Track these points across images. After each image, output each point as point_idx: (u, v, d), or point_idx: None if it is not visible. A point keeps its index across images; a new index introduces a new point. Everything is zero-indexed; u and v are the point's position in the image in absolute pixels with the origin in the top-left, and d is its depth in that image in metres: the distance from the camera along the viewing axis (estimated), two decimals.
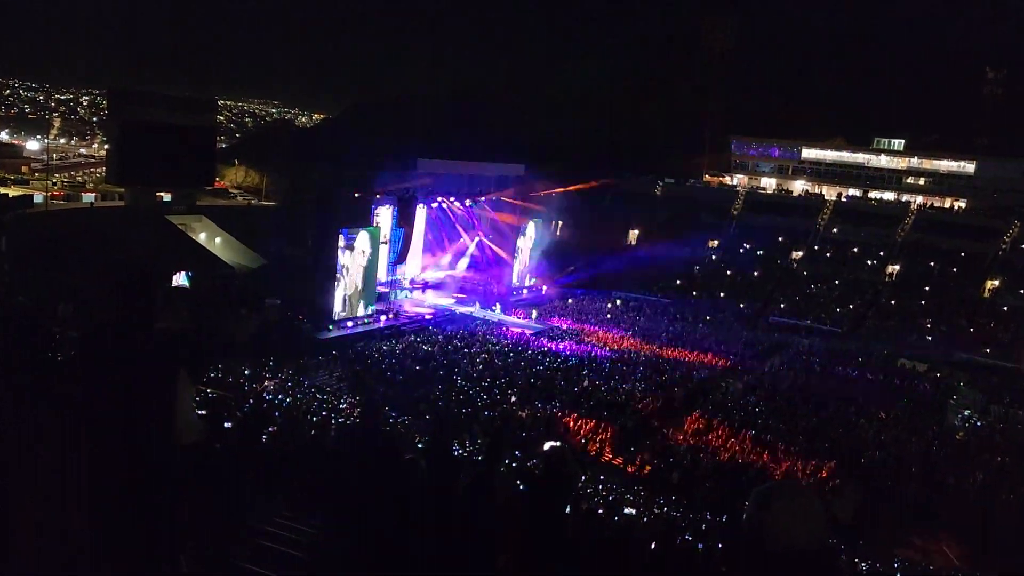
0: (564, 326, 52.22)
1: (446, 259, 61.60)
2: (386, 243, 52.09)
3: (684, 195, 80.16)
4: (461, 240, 62.00)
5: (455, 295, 56.99)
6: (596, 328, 51.88)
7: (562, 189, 69.14)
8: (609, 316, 57.08)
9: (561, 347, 45.26)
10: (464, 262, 62.03)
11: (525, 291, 62.25)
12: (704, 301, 64.06)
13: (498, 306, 54.72)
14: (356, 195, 48.71)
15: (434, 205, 57.53)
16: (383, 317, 47.88)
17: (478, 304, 54.88)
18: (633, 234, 77.12)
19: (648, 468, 28.70)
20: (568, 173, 71.65)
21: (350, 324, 45.29)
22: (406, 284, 56.86)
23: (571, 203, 69.52)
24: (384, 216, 53.16)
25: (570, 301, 61.71)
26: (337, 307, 45.23)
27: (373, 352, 39.83)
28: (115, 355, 3.88)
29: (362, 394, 31.20)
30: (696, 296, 65.05)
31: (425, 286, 57.50)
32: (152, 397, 3.75)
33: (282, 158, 75.45)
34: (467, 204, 60.68)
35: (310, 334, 42.06)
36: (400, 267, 54.42)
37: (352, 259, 46.07)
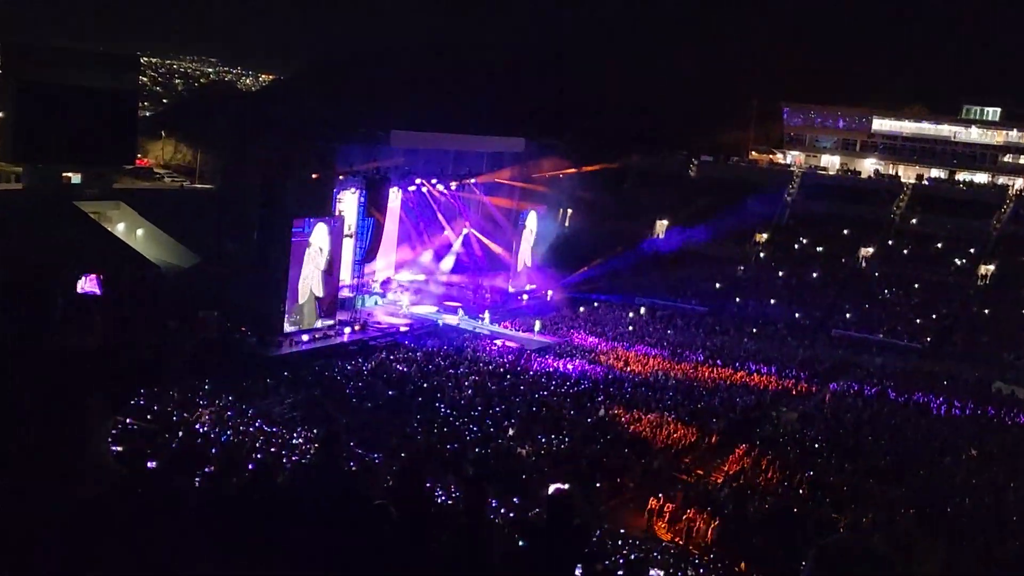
0: (575, 341, 52.21)
1: (426, 257, 61.47)
2: (351, 236, 52.05)
3: (725, 177, 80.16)
4: (445, 233, 61.82)
5: (438, 302, 56.88)
6: (615, 344, 51.87)
7: (575, 170, 69.17)
8: (631, 328, 57.24)
9: (571, 367, 45.30)
10: (449, 261, 61.87)
11: (525, 297, 62.24)
12: (750, 310, 64.21)
13: (487, 315, 54.86)
14: (313, 176, 48.80)
15: (411, 189, 57.44)
16: (347, 330, 47.99)
17: (462, 312, 55.07)
18: (661, 225, 76.93)
19: (680, 519, 28.69)
20: (579, 149, 71.69)
21: (306, 338, 45.38)
22: (376, 288, 56.60)
23: (583, 186, 69.46)
24: (349, 203, 53.09)
25: (582, 309, 61.82)
26: (289, 317, 45.10)
27: (335, 373, 40.13)
28: None
29: (321, 426, 31.21)
30: (740, 303, 65.16)
31: (400, 290, 57.35)
32: (45, 433, 3.59)
33: (221, 130, 75.38)
34: (453, 188, 60.52)
35: (256, 351, 42.16)
36: (369, 267, 54.38)
37: (308, 257, 45.92)
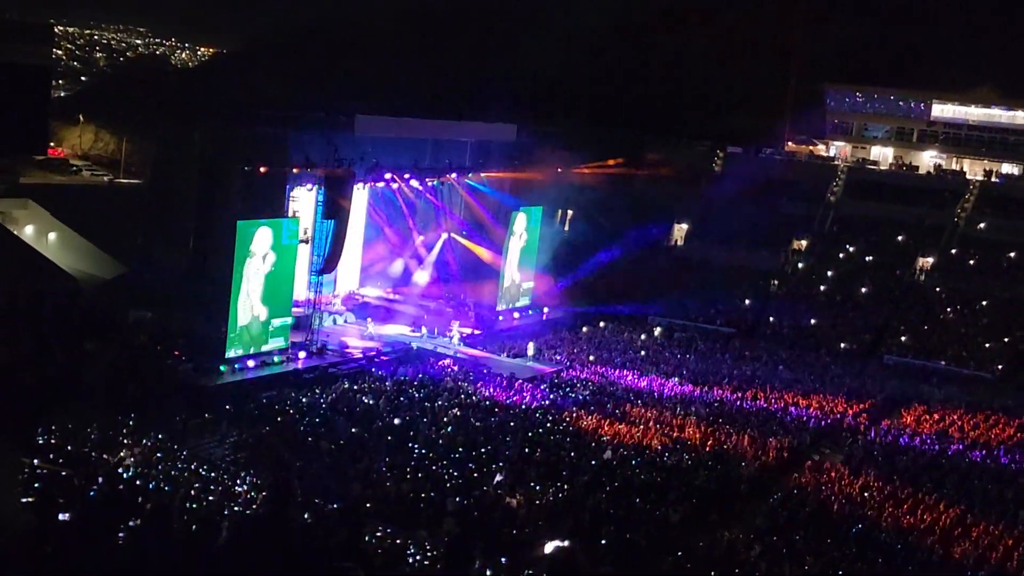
0: (573, 373, 51.83)
1: (398, 267, 61.44)
2: (307, 242, 51.93)
3: (756, 172, 79.94)
4: (421, 238, 61.76)
5: (412, 321, 56.71)
6: (624, 373, 51.66)
7: (577, 164, 69.18)
8: (644, 353, 57.04)
9: (570, 400, 45.27)
10: (425, 272, 61.69)
11: (516, 316, 62.25)
12: (786, 331, 64.37)
13: (455, 328, 55.28)
14: (262, 170, 48.34)
15: (380, 185, 57.44)
16: (302, 354, 47.91)
17: (424, 331, 55.29)
18: (680, 230, 77.17)
19: None
20: (582, 139, 71.86)
21: (252, 364, 45.33)
22: (337, 304, 56.69)
23: (587, 183, 69.61)
24: (304, 202, 52.92)
25: (585, 330, 61.79)
26: (233, 339, 44.95)
27: (287, 407, 39.75)
28: None
29: (270, 471, 31.27)
30: (774, 323, 65.37)
31: (366, 307, 57.29)
32: None
33: (151, 114, 75.18)
34: (430, 184, 60.38)
35: (192, 379, 42.00)
36: (328, 279, 54.04)
37: (255, 266, 45.80)
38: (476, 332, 56.95)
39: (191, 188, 48.64)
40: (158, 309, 46.35)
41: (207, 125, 52.73)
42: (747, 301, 67.35)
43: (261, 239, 45.89)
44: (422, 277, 61.25)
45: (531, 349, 54.38)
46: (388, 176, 56.62)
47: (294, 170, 50.35)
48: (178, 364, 42.99)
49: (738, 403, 48.06)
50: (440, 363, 50.30)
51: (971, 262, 70.86)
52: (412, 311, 58.16)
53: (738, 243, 71.49)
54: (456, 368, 49.63)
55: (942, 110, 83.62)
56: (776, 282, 70.13)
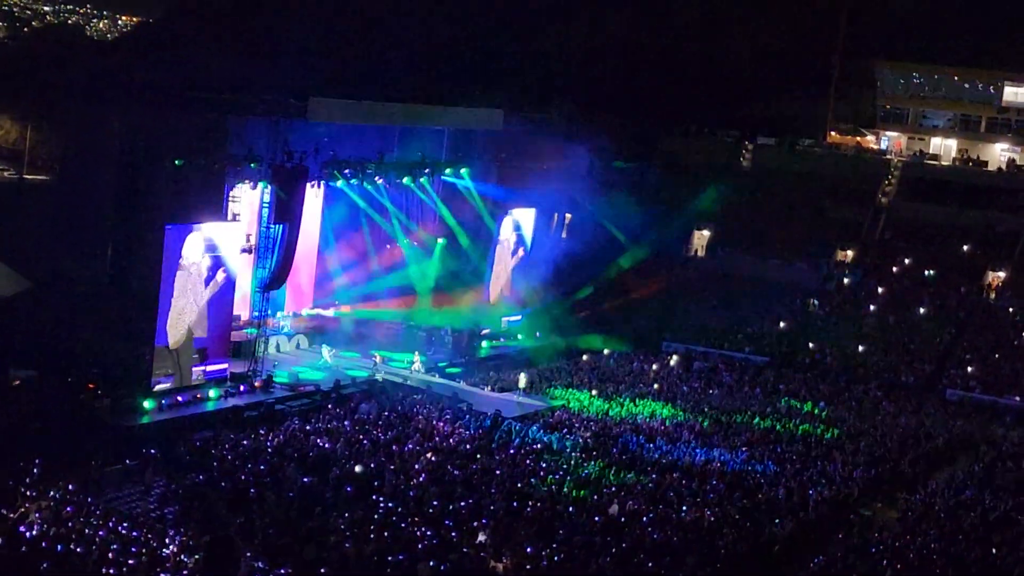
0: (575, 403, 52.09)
1: (357, 282, 61.35)
2: (250, 251, 52.36)
3: (792, 168, 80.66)
4: (388, 248, 62.05)
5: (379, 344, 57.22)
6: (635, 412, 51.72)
7: (580, 158, 69.10)
8: (657, 387, 56.94)
9: (568, 443, 45.18)
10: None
11: (501, 340, 62.75)
12: (829, 360, 64.33)
13: (416, 358, 55.33)
14: (196, 165, 48.33)
15: (339, 183, 57.47)
16: (242, 387, 48.02)
17: (377, 357, 55.20)
18: (701, 238, 77.45)
19: None
20: (583, 127, 71.84)
21: (181, 399, 45.38)
22: (287, 327, 56.94)
23: (589, 181, 69.86)
24: (247, 203, 53.32)
25: (586, 358, 61.89)
26: (158, 368, 45.10)
27: (225, 451, 39.69)
28: None
29: (205, 529, 31.01)
30: (815, 351, 65.39)
31: (323, 331, 57.53)
32: None
33: (61, 96, 75.00)
34: (399, 182, 60.49)
35: (109, 418, 41.88)
36: (276, 295, 53.94)
37: (188, 279, 45.97)
38: (454, 361, 57.01)
39: (109, 186, 48.30)
40: (68, 332, 45.95)
41: (129, 110, 52.61)
42: (781, 324, 67.50)
43: (194, 246, 45.93)
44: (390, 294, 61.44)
45: (522, 381, 54.33)
46: (348, 172, 56.70)
47: (235, 165, 50.38)
48: (93, 399, 42.66)
49: (771, 447, 47.80)
50: (412, 398, 50.19)
51: None
52: (378, 335, 58.28)
53: (771, 253, 71.89)
54: (430, 405, 49.31)
55: (1016, 94, 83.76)
56: (816, 301, 70.16)
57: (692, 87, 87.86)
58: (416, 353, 55.96)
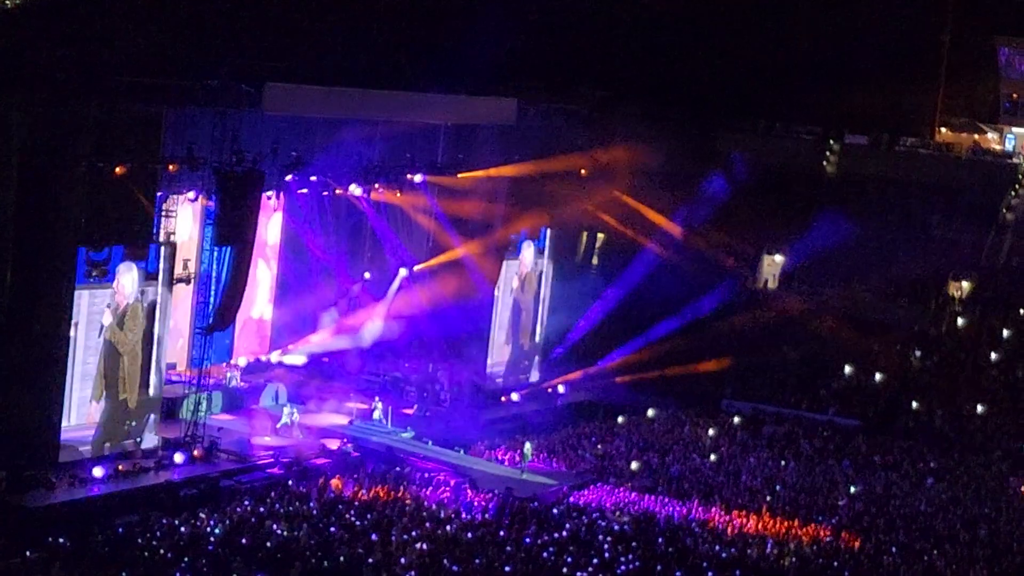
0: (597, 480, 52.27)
1: (330, 319, 62.89)
2: (188, 281, 53.16)
3: (891, 173, 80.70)
4: (366, 276, 63.34)
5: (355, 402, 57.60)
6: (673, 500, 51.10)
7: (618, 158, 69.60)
8: (713, 458, 56.71)
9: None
10: (374, 328, 63.14)
11: (515, 396, 63.71)
12: (939, 424, 64.31)
13: (377, 405, 56.82)
14: (118, 170, 48.28)
15: (303, 191, 57.93)
16: (179, 457, 48.13)
17: (379, 407, 56.25)
18: (772, 265, 77.08)
19: None
20: (620, 121, 72.46)
21: (100, 473, 45.36)
22: (235, 379, 57.42)
23: (627, 190, 70.74)
24: (185, 218, 53.65)
25: (621, 420, 62.16)
26: (70, 430, 45.75)
27: (155, 541, 39.66)
28: None
29: None
30: (921, 412, 64.94)
31: (280, 382, 58.07)
32: None
33: None
34: (379, 191, 61.38)
35: (7, 496, 42.40)
36: (222, 337, 55.34)
37: (106, 322, 46.71)
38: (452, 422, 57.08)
39: (6, 197, 47.63)
40: None
41: (30, 100, 52.27)
42: (876, 376, 66.80)
43: (130, 276, 46.99)
44: (369, 334, 62.14)
45: (528, 448, 54.75)
46: (315, 179, 56.77)
47: (169, 168, 50.02)
48: None
49: (863, 535, 46.60)
50: (398, 471, 50.10)
51: None
52: (358, 376, 59.70)
53: (862, 286, 71.53)
54: (422, 477, 49.21)
55: None
56: (920, 350, 69.72)
57: (763, 72, 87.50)
58: (376, 399, 56.46)
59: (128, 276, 47.24)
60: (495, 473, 51.60)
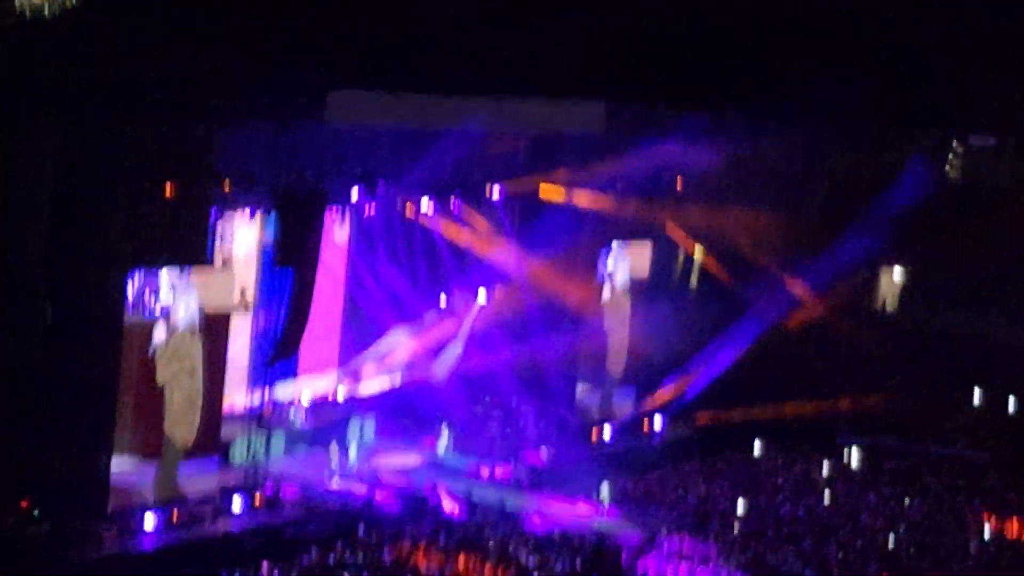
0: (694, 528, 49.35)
1: (404, 347, 61.19)
2: (247, 308, 52.26)
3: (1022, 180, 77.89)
4: (443, 299, 61.65)
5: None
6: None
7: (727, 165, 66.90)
8: (828, 502, 55.01)
9: None
10: (452, 354, 61.62)
11: (607, 429, 62.25)
12: None
13: (445, 432, 56.13)
14: (168, 190, 47.79)
15: (370, 210, 57.20)
16: (238, 501, 47.82)
17: (445, 440, 55.70)
18: (891, 281, 76.26)
19: None
20: (721, 123, 69.13)
21: (152, 523, 45.09)
22: (300, 417, 56.30)
23: (730, 200, 69.03)
24: (243, 240, 53.04)
25: (720, 465, 60.38)
26: (122, 477, 45.03)
27: None
28: None
29: None
30: None
31: (352, 418, 56.40)
32: None
33: None
34: (456, 206, 59.90)
35: (50, 548, 41.90)
36: (282, 367, 53.80)
37: (158, 347, 45.81)
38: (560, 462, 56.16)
39: (42, 218, 47.01)
40: None
41: (73, 116, 51.33)
42: (1011, 406, 65.52)
43: (176, 302, 46.30)
44: (446, 363, 60.63)
45: (604, 493, 53.02)
46: (383, 194, 55.78)
47: (224, 189, 49.00)
48: (25, 523, 42.28)
49: None
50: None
51: None
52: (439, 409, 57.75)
53: (995, 305, 69.68)
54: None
55: None
56: None
57: (874, 59, 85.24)
58: (444, 425, 55.37)
59: (179, 304, 45.91)
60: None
